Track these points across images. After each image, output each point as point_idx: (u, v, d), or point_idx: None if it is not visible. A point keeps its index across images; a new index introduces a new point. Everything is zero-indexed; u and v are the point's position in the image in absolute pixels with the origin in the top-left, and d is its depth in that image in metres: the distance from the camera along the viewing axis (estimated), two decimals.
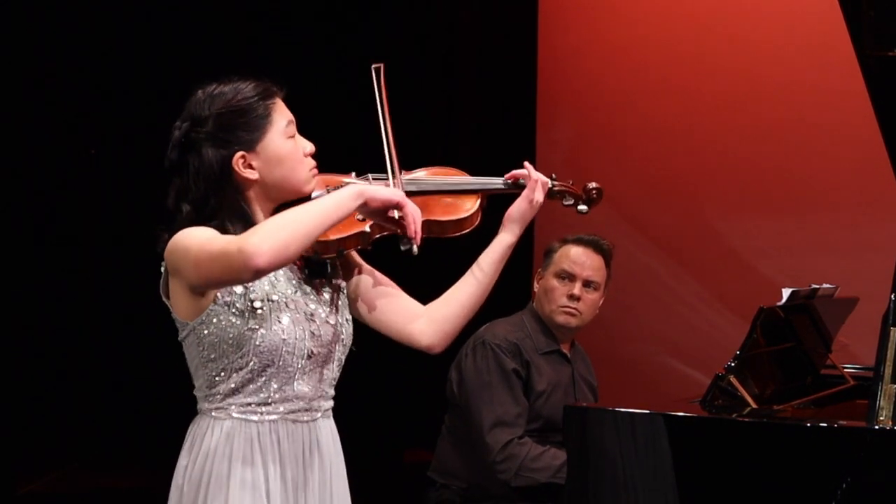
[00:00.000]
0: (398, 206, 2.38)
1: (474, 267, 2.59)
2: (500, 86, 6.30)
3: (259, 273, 2.23)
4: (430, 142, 6.10)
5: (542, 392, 3.76)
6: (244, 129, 2.40)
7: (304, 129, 2.48)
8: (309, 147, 2.47)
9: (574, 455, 3.25)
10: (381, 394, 5.80)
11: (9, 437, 5.79)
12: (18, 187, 5.94)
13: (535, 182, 2.63)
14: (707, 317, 5.65)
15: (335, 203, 2.30)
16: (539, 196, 2.63)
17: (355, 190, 2.33)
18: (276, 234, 2.22)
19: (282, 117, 2.44)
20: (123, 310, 5.90)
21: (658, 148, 5.85)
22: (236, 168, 2.39)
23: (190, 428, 2.46)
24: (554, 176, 2.69)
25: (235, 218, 2.39)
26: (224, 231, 2.37)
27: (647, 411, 3.17)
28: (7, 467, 5.86)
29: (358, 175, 2.57)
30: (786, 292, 3.54)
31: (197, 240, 2.30)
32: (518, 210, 2.62)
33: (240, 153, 2.39)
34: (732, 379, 3.28)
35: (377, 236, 2.49)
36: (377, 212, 2.39)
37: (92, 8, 5.98)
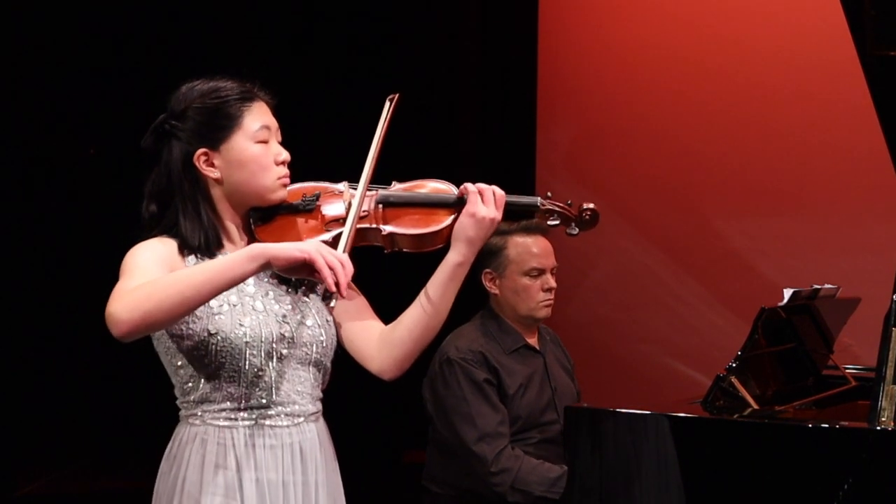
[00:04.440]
0: (308, 262, 2.20)
1: (426, 287, 2.45)
2: (500, 86, 6.29)
3: (124, 339, 2.19)
4: (430, 142, 6.09)
5: (515, 393, 3.71)
6: (210, 127, 2.38)
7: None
8: (283, 155, 2.41)
9: (573, 456, 3.24)
10: (379, 394, 5.78)
11: (9, 437, 5.78)
12: (18, 187, 5.94)
13: (474, 194, 2.43)
14: (708, 317, 5.64)
15: (225, 265, 2.19)
16: (484, 210, 2.41)
17: (252, 252, 2.20)
18: (140, 303, 2.15)
19: (255, 121, 2.39)
20: None
21: (658, 149, 5.84)
22: (197, 164, 2.38)
23: (173, 434, 2.44)
24: (549, 194, 2.54)
25: (188, 214, 2.37)
26: (176, 229, 2.36)
27: (648, 412, 3.16)
28: (7, 467, 5.85)
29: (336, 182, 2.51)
30: (787, 293, 3.53)
31: (127, 268, 2.30)
32: (460, 226, 2.43)
33: (202, 150, 2.38)
34: (734, 380, 3.28)
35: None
36: (290, 269, 2.22)
37: (92, 7, 5.98)
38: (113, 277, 2.32)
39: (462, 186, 2.47)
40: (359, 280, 2.52)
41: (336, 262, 2.19)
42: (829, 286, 3.84)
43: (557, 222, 2.57)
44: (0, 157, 5.85)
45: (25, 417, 5.89)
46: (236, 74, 2.46)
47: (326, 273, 2.18)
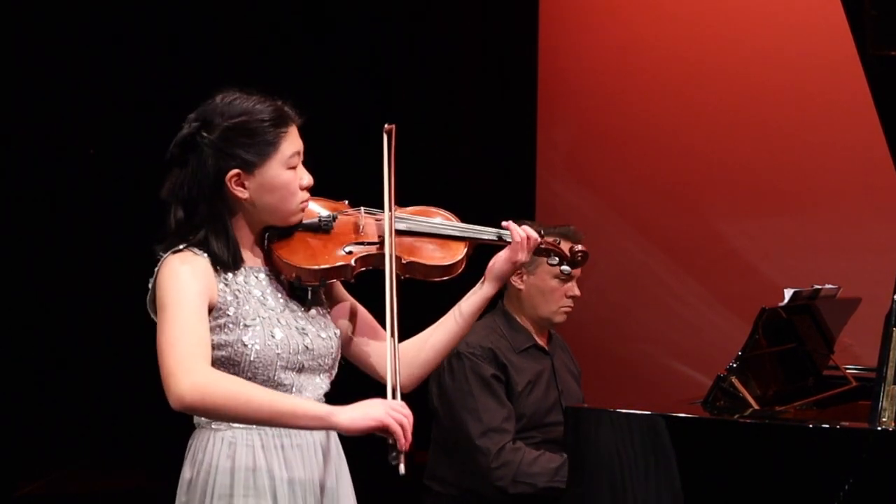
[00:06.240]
0: (382, 429, 2.29)
1: (453, 312, 2.61)
2: (500, 86, 6.29)
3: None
4: (430, 143, 6.09)
5: (523, 390, 3.73)
6: (247, 149, 2.40)
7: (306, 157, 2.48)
8: (307, 180, 2.47)
9: (574, 456, 3.25)
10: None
11: (9, 437, 5.78)
12: (18, 187, 5.93)
13: (519, 244, 2.60)
14: (709, 318, 5.64)
15: (295, 414, 2.27)
16: (523, 256, 2.62)
17: (324, 418, 2.28)
18: (212, 396, 2.22)
19: (290, 147, 2.43)
20: (123, 310, 5.86)
21: (659, 149, 5.84)
22: (228, 184, 2.40)
23: (190, 442, 2.46)
24: (542, 231, 2.68)
25: (219, 232, 2.41)
26: (207, 246, 2.38)
27: (649, 412, 3.16)
28: (7, 467, 5.85)
29: (352, 205, 2.57)
30: (788, 293, 3.54)
31: (170, 305, 2.30)
32: (500, 269, 2.61)
33: (235, 171, 2.40)
34: (734, 380, 3.28)
35: (361, 270, 2.49)
36: (360, 432, 2.30)
37: (92, 7, 5.97)
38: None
39: (507, 226, 2.61)
40: (365, 299, 2.64)
41: (404, 419, 2.28)
42: (830, 286, 3.84)
43: (556, 261, 2.74)
44: (0, 157, 5.84)
45: (25, 417, 5.89)
46: (266, 92, 2.47)
47: (400, 435, 2.27)
